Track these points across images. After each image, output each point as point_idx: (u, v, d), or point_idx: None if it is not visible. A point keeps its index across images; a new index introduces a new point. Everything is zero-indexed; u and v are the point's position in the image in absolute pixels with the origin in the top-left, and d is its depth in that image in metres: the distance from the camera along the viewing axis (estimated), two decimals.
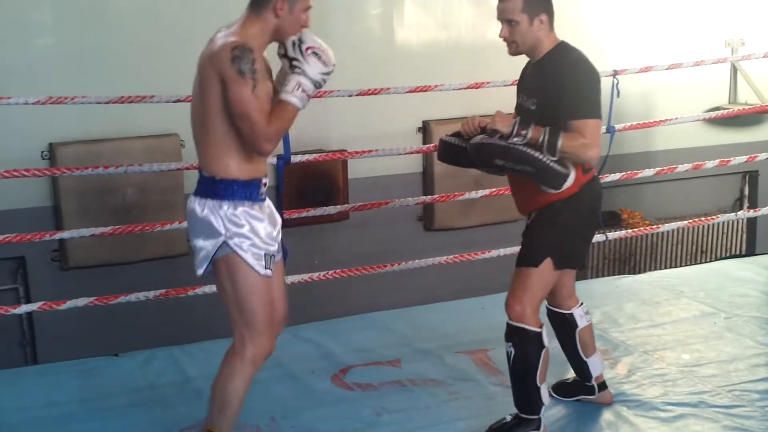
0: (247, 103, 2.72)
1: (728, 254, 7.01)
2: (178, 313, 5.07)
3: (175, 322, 5.09)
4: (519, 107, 3.35)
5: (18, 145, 4.91)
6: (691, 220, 5.72)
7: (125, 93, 4.27)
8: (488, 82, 4.88)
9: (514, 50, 3.26)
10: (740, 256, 6.64)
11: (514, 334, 3.24)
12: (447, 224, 6.14)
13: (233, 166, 2.83)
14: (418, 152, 5.69)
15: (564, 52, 3.20)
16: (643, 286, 5.17)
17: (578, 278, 6.47)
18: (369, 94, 4.68)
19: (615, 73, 5.00)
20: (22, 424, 3.60)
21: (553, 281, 3.29)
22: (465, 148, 3.25)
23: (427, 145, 5.53)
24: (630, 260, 6.82)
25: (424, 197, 5.52)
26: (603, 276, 6.52)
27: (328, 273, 4.71)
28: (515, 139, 3.07)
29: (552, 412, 3.54)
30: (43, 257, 5.15)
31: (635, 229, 5.73)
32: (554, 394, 3.63)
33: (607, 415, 3.55)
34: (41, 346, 5.25)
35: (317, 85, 2.85)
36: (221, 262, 2.88)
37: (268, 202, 3.00)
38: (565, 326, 3.56)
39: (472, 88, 4.90)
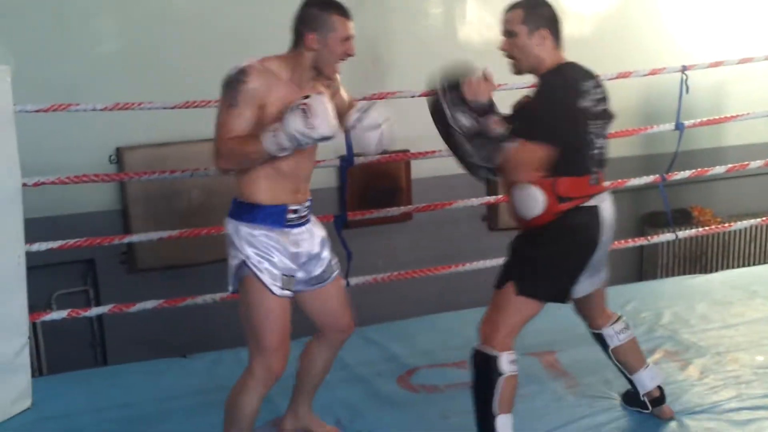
0: (218, 121, 2.83)
1: None
2: None
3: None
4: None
5: (86, 149, 5.00)
6: (764, 218, 5.58)
7: (190, 98, 4.32)
8: None
9: (516, 67, 3.18)
10: None
11: (474, 356, 3.11)
12: (512, 224, 6.05)
13: (258, 192, 2.91)
14: None
15: (554, 74, 3.08)
16: (714, 285, 5.05)
17: (649, 278, 6.46)
18: (432, 94, 4.64)
19: (684, 69, 4.90)
20: (96, 425, 3.67)
21: (525, 307, 3.04)
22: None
23: None
24: (701, 259, 6.67)
25: (488, 197, 5.45)
26: (673, 275, 6.39)
27: (391, 274, 4.70)
28: (468, 122, 3.07)
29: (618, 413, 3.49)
30: (113, 260, 5.23)
31: (706, 228, 5.61)
32: (623, 402, 3.59)
33: (679, 417, 3.46)
34: (111, 347, 5.34)
35: (292, 140, 2.71)
36: (242, 282, 2.96)
37: (304, 228, 3.02)
38: (602, 345, 3.47)
39: (535, 87, 4.83)
